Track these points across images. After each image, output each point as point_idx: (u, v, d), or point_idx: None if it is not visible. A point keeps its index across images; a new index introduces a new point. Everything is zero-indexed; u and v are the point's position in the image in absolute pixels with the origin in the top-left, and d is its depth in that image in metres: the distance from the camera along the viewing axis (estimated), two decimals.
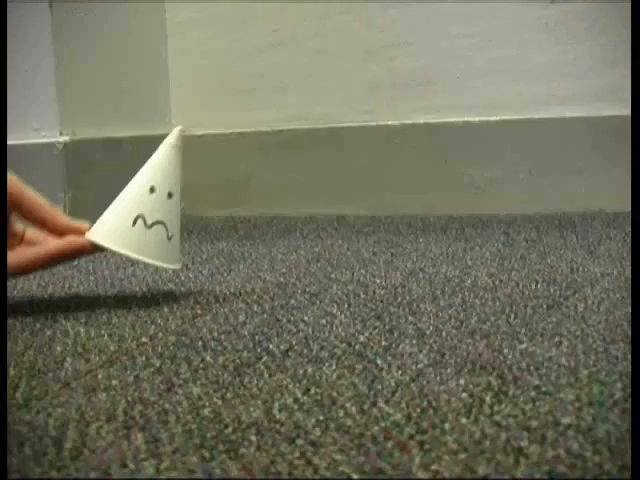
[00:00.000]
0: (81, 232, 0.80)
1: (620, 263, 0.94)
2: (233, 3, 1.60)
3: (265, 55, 1.58)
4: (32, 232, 0.82)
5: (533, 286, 0.84)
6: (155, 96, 1.62)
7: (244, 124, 1.58)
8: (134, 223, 0.79)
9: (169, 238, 0.81)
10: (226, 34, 1.61)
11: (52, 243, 0.80)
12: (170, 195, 0.81)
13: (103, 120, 1.44)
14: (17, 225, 0.82)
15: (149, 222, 0.80)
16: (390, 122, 1.49)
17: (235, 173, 1.61)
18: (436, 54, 1.49)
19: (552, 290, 0.82)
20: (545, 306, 0.75)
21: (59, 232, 0.80)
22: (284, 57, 1.57)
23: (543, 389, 0.53)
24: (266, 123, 1.56)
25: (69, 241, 0.80)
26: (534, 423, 0.47)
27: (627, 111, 1.36)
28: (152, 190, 0.80)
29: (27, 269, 0.81)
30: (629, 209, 1.38)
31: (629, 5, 1.36)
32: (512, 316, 0.72)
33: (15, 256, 0.79)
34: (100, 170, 1.39)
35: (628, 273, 0.88)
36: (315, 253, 1.10)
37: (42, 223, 0.80)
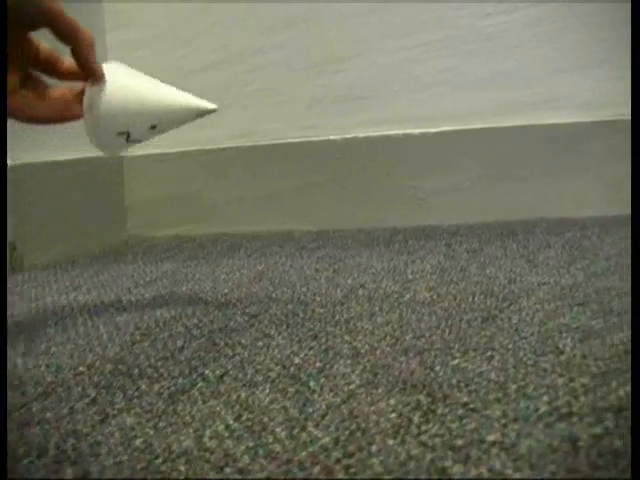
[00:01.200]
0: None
1: (557, 272, 0.95)
2: (175, 22, 1.60)
3: (208, 73, 1.58)
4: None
5: (470, 299, 0.85)
6: None
7: (188, 142, 1.58)
8: (119, 135, 0.79)
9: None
10: (168, 53, 1.61)
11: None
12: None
13: (45, 143, 1.43)
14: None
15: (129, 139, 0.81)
16: (332, 137, 1.50)
17: (180, 192, 1.61)
18: (377, 68, 1.50)
19: (488, 302, 0.82)
20: (480, 319, 0.76)
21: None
22: (227, 74, 1.57)
23: (471, 406, 0.53)
24: (210, 141, 1.56)
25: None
26: (459, 442, 0.47)
27: (566, 119, 1.38)
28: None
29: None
30: (571, 215, 1.40)
31: (568, 15, 1.38)
32: (447, 331, 0.73)
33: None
34: (44, 194, 1.38)
35: (564, 281, 0.90)
36: (258, 272, 1.10)
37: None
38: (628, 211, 1.34)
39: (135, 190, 1.64)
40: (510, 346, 0.67)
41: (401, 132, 1.47)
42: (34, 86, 0.79)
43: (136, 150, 1.60)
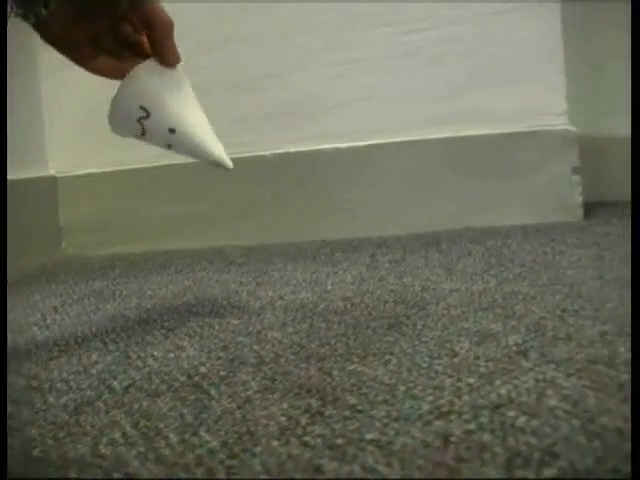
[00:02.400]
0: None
1: (471, 278, 0.98)
2: None
3: None
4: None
5: (382, 307, 0.87)
6: (29, 138, 1.62)
7: (119, 162, 1.59)
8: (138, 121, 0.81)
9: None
10: None
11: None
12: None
13: None
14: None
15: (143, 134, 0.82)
16: (263, 152, 1.52)
17: (114, 211, 1.62)
18: (304, 84, 1.52)
19: (398, 310, 0.85)
20: (386, 326, 0.78)
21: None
22: None
23: (358, 407, 0.55)
24: (141, 160, 1.58)
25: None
26: (339, 441, 0.50)
27: (485, 131, 1.41)
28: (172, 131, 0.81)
29: None
30: (495, 224, 1.43)
31: (486, 33, 1.42)
32: (352, 338, 0.75)
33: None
34: None
35: (475, 287, 0.92)
36: (184, 287, 1.12)
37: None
38: (548, 219, 1.38)
39: (70, 210, 1.65)
40: (409, 350, 0.69)
41: (331, 146, 1.49)
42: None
43: (70, 170, 1.61)
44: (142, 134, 0.81)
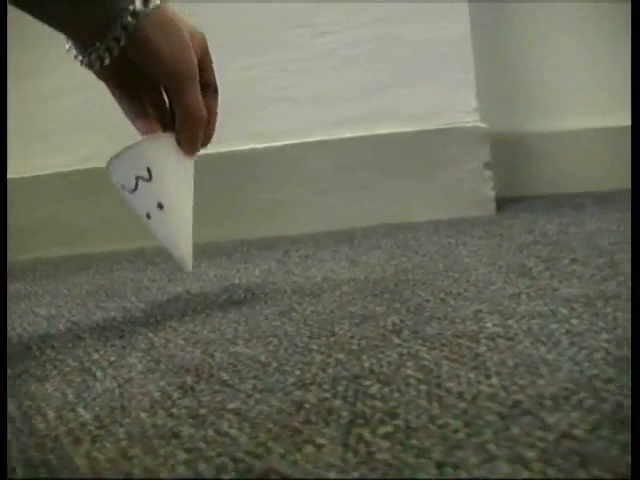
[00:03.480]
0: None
1: (373, 269, 1.02)
2: (31, 50, 1.63)
3: (57, 100, 1.62)
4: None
5: (280, 296, 0.91)
6: None
7: (39, 168, 1.62)
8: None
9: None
10: (22, 79, 1.64)
11: None
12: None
13: None
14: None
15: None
16: None
17: (39, 216, 1.64)
18: (224, 87, 1.55)
19: (294, 298, 0.88)
20: (278, 312, 0.82)
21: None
22: (77, 100, 1.61)
23: (229, 382, 0.59)
24: (62, 165, 1.60)
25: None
26: (202, 411, 0.53)
27: (399, 129, 1.45)
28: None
29: None
30: (411, 219, 1.47)
31: (395, 32, 1.46)
32: (243, 324, 0.78)
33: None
34: None
35: (373, 276, 0.96)
36: (99, 286, 1.14)
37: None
38: (462, 214, 1.42)
39: None
40: (292, 333, 0.73)
41: (248, 147, 1.53)
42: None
43: None
44: (132, 190, 0.83)
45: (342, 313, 0.78)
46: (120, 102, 0.86)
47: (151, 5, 0.73)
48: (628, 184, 1.57)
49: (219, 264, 1.23)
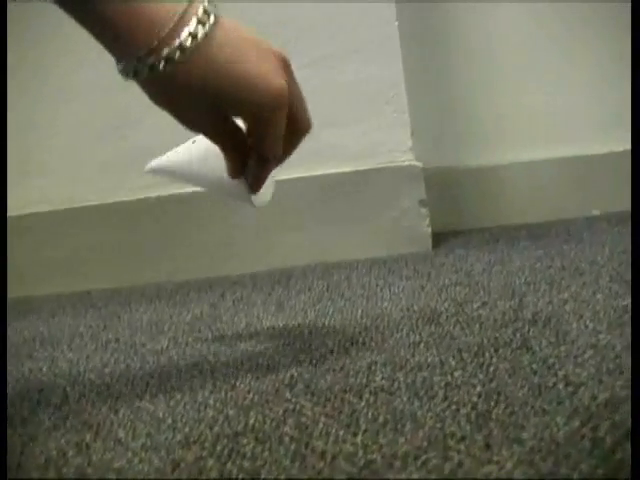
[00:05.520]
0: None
1: (295, 314, 1.06)
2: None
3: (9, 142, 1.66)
4: None
5: (199, 346, 0.95)
6: None
7: None
8: None
9: None
10: None
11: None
12: None
13: None
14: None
15: None
16: (125, 198, 1.59)
17: None
18: (164, 130, 1.59)
19: (212, 348, 0.92)
20: (192, 364, 0.86)
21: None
22: (25, 141, 1.64)
23: (123, 440, 0.63)
24: (11, 208, 1.63)
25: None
26: (89, 470, 0.57)
27: (335, 169, 1.50)
28: None
29: None
30: (349, 257, 1.51)
31: (330, 73, 1.50)
32: (156, 377, 0.82)
33: None
34: None
35: (291, 322, 1.00)
36: (37, 333, 1.17)
37: None
38: (400, 251, 1.47)
39: None
40: (197, 387, 0.77)
41: (189, 190, 1.56)
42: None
43: None
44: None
45: (249, 365, 0.83)
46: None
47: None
48: (567, 214, 1.64)
49: (155, 308, 1.26)
